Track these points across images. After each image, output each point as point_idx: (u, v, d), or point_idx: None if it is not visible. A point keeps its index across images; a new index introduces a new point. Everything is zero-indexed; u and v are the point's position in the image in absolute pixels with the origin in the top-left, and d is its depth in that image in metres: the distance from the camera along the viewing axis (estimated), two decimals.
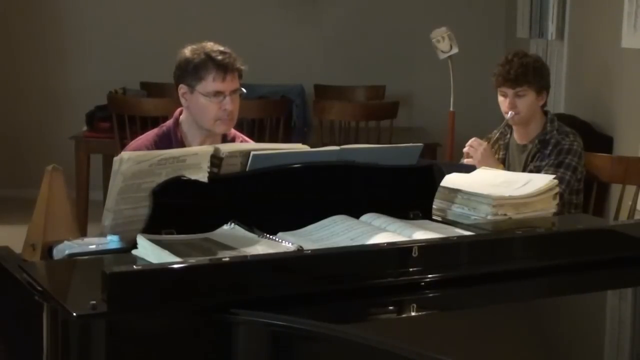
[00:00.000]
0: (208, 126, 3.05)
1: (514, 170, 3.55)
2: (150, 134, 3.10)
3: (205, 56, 3.01)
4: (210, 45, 3.05)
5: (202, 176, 2.16)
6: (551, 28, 5.57)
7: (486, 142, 3.60)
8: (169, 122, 3.12)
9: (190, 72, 3.03)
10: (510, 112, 3.54)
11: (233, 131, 3.17)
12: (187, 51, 3.06)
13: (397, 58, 6.90)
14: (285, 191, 2.29)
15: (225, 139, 3.10)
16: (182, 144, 3.05)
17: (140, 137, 3.13)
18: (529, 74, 3.53)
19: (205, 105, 3.02)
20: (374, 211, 2.32)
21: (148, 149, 2.96)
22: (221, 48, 3.05)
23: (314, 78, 6.55)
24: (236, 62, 3.05)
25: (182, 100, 3.09)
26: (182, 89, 3.06)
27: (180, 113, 3.13)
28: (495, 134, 3.67)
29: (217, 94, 3.01)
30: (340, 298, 1.95)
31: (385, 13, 6.94)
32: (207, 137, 3.05)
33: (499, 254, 2.19)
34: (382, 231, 2.19)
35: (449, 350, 1.67)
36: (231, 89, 3.03)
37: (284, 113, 5.30)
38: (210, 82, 3.01)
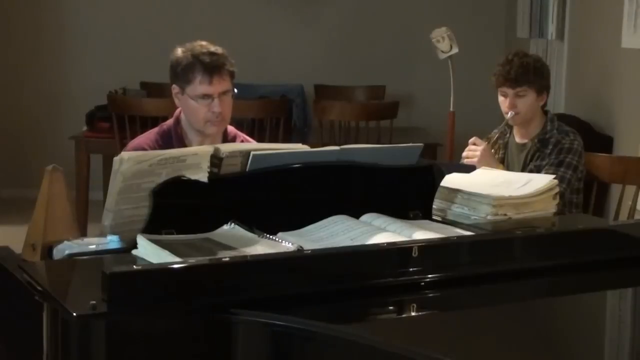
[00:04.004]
0: (198, 127, 3.03)
1: (513, 169, 3.54)
2: (152, 133, 3.09)
3: (193, 58, 2.97)
4: (200, 46, 3.00)
5: (202, 176, 2.16)
6: (551, 28, 5.57)
7: (486, 142, 3.59)
8: (170, 121, 3.11)
9: (179, 73, 3.01)
10: (510, 112, 3.54)
11: (234, 131, 3.16)
12: (178, 51, 3.02)
13: (397, 58, 6.90)
14: (285, 191, 2.29)
15: (225, 138, 3.09)
16: (182, 142, 3.04)
17: (141, 135, 3.12)
18: (530, 74, 3.52)
19: (195, 107, 2.99)
20: (374, 211, 2.31)
21: (150, 147, 2.95)
22: (212, 49, 3.00)
23: (314, 78, 6.55)
24: (225, 63, 3.00)
25: (176, 100, 3.08)
26: (175, 89, 3.06)
27: (181, 112, 3.12)
28: (495, 134, 3.67)
29: (205, 96, 2.98)
30: (340, 298, 1.95)
31: (385, 13, 6.94)
32: (205, 137, 3.04)
33: (499, 254, 2.19)
34: (382, 231, 2.19)
35: (449, 350, 1.67)
36: (219, 91, 2.99)
37: (284, 113, 5.29)
38: (198, 85, 2.97)
